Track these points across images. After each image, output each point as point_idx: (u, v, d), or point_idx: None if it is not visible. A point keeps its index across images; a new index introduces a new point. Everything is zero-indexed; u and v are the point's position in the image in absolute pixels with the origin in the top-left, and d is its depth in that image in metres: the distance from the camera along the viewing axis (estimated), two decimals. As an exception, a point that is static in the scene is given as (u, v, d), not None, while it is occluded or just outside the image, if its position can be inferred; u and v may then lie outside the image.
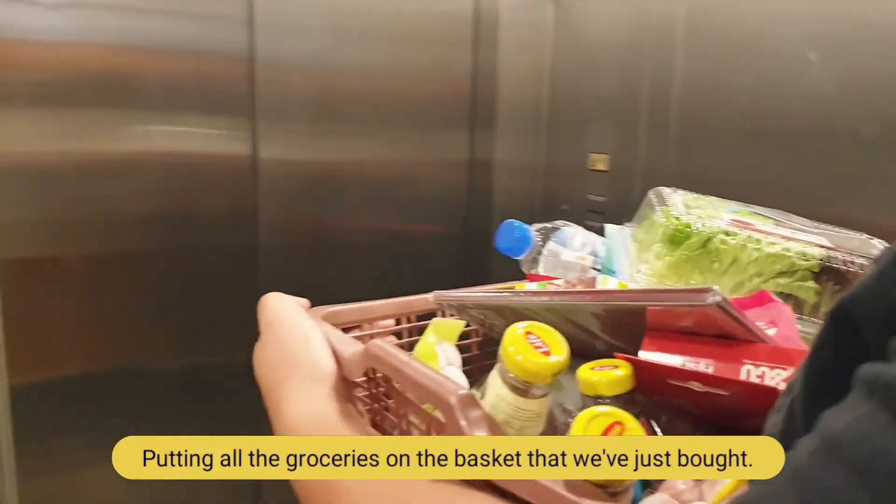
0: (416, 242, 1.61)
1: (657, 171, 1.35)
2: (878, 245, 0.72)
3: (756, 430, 0.48)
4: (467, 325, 0.69)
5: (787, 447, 0.28)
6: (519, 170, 1.67)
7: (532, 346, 0.44)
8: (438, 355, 0.58)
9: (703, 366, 0.51)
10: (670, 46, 1.32)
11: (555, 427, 0.58)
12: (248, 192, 1.30)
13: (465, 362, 0.69)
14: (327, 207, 1.45)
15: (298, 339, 0.55)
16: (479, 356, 0.73)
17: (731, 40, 1.19)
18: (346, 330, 0.63)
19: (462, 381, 0.59)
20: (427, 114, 1.62)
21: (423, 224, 1.64)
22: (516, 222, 0.80)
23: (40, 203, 1.15)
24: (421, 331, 0.69)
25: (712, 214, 0.66)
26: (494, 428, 0.43)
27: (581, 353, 0.54)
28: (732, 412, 0.51)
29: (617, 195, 1.39)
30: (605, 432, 0.38)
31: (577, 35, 1.59)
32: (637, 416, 0.44)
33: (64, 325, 1.20)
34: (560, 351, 0.45)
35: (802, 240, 0.63)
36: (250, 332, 0.64)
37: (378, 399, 0.57)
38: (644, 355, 0.53)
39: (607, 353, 0.53)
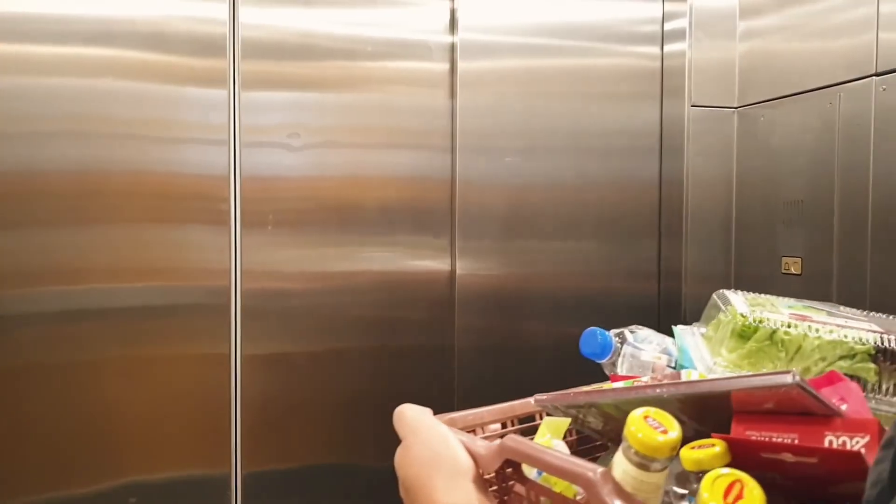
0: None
1: (853, 272, 1.32)
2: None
3: (842, 495, 0.57)
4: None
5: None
6: (709, 277, 1.76)
7: (651, 427, 0.54)
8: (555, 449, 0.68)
9: (790, 439, 0.60)
10: (863, 146, 1.32)
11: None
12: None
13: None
14: (517, 314, 1.65)
15: (439, 441, 0.65)
16: (577, 452, 0.82)
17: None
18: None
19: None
20: (613, 223, 1.76)
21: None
22: (598, 329, 0.92)
23: (283, 307, 1.44)
24: (524, 432, 0.80)
25: (772, 311, 0.77)
26: (630, 499, 0.53)
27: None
28: (821, 480, 0.59)
29: (814, 297, 1.25)
30: (729, 488, 0.47)
31: (762, 142, 1.63)
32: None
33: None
34: (674, 429, 0.55)
35: (855, 327, 0.73)
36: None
37: (507, 490, 0.66)
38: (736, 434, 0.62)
39: (693, 438, 0.62)
